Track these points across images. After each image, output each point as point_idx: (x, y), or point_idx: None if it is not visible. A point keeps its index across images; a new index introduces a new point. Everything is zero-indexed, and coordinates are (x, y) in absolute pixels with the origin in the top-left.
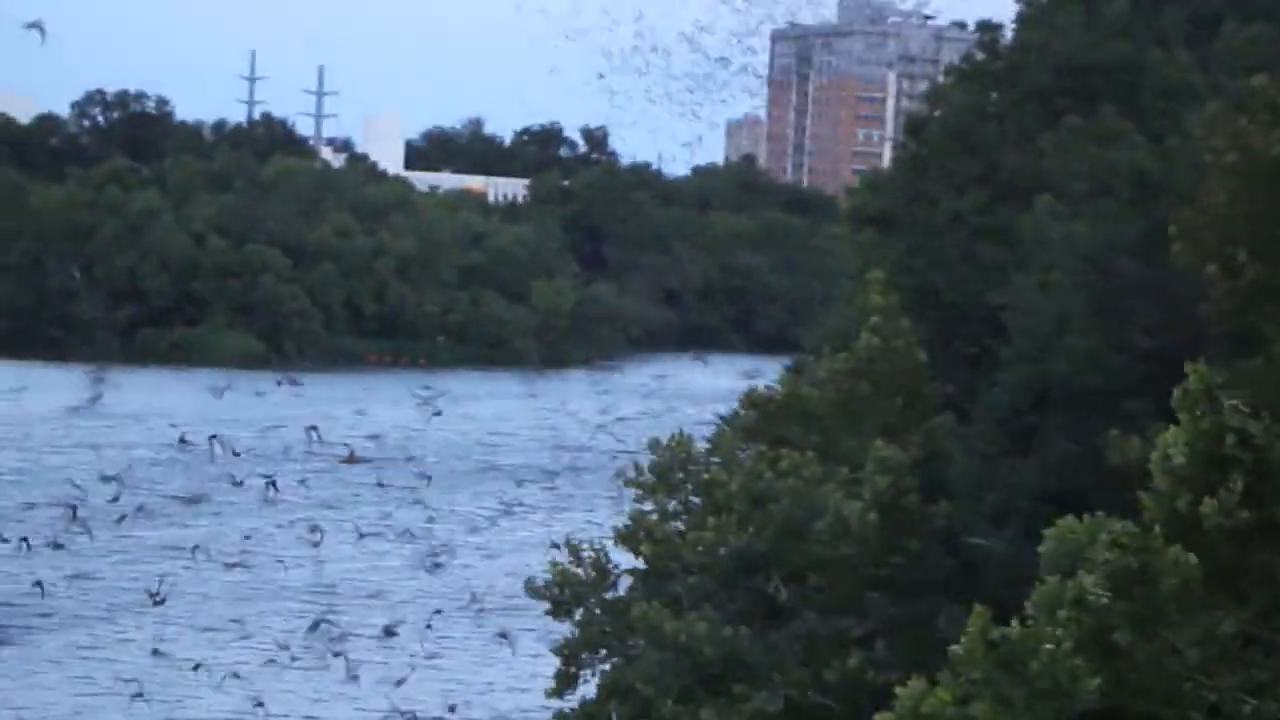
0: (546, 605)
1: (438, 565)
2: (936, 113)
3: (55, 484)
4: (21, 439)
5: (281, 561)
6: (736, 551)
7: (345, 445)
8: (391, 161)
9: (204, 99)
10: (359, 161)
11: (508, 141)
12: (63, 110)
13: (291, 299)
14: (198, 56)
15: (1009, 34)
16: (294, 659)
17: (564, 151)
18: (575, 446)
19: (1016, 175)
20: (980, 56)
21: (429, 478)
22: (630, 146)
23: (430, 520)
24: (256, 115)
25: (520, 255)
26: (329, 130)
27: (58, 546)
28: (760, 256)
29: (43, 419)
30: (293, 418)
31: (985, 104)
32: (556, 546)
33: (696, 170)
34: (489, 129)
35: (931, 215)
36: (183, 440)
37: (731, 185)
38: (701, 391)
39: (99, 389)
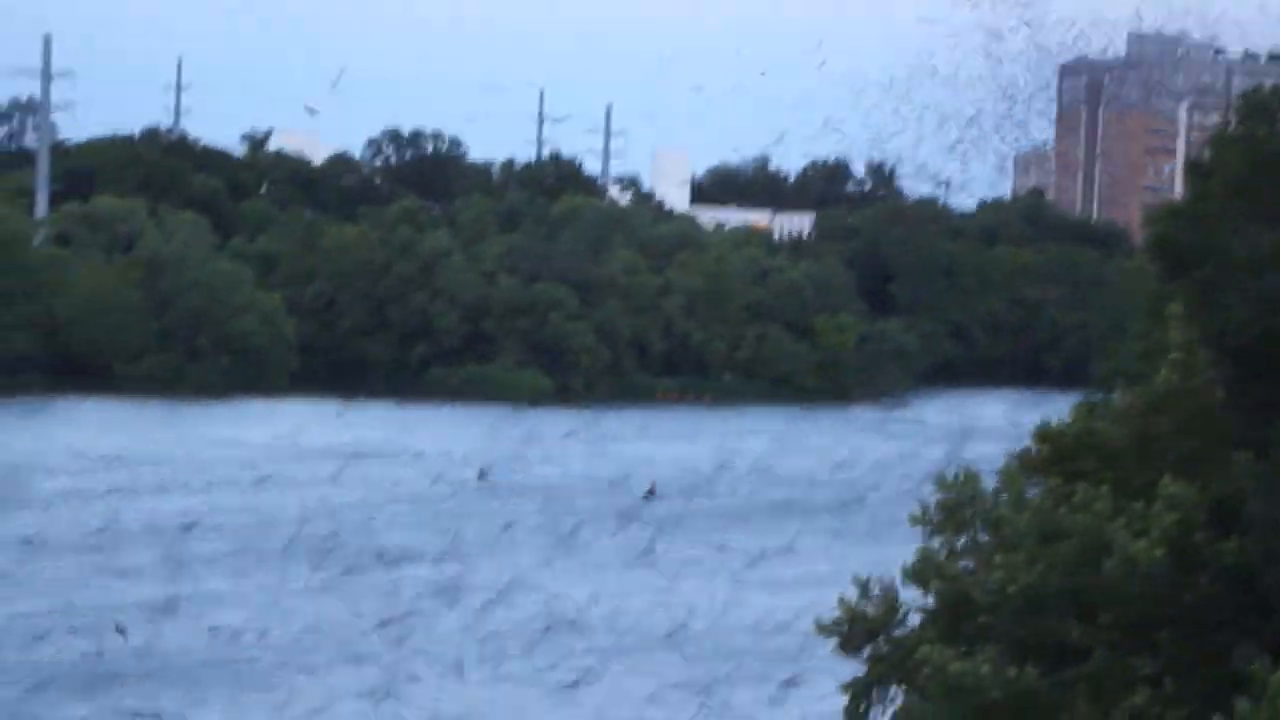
0: (834, 642)
1: (725, 603)
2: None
3: (353, 520)
4: (313, 475)
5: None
6: (1025, 589)
7: (647, 481)
8: (678, 198)
9: (493, 137)
10: (646, 199)
11: (793, 177)
12: (355, 149)
13: (580, 336)
14: (487, 95)
15: None
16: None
17: (850, 186)
18: (862, 483)
19: None
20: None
21: (718, 513)
22: (916, 182)
23: (720, 552)
24: (545, 154)
25: (805, 291)
26: (616, 168)
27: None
28: (1049, 290)
29: (345, 454)
30: (590, 454)
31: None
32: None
33: (984, 204)
34: (775, 164)
35: (1231, 249)
36: (482, 475)
37: (1019, 218)
38: (990, 427)
39: (387, 428)
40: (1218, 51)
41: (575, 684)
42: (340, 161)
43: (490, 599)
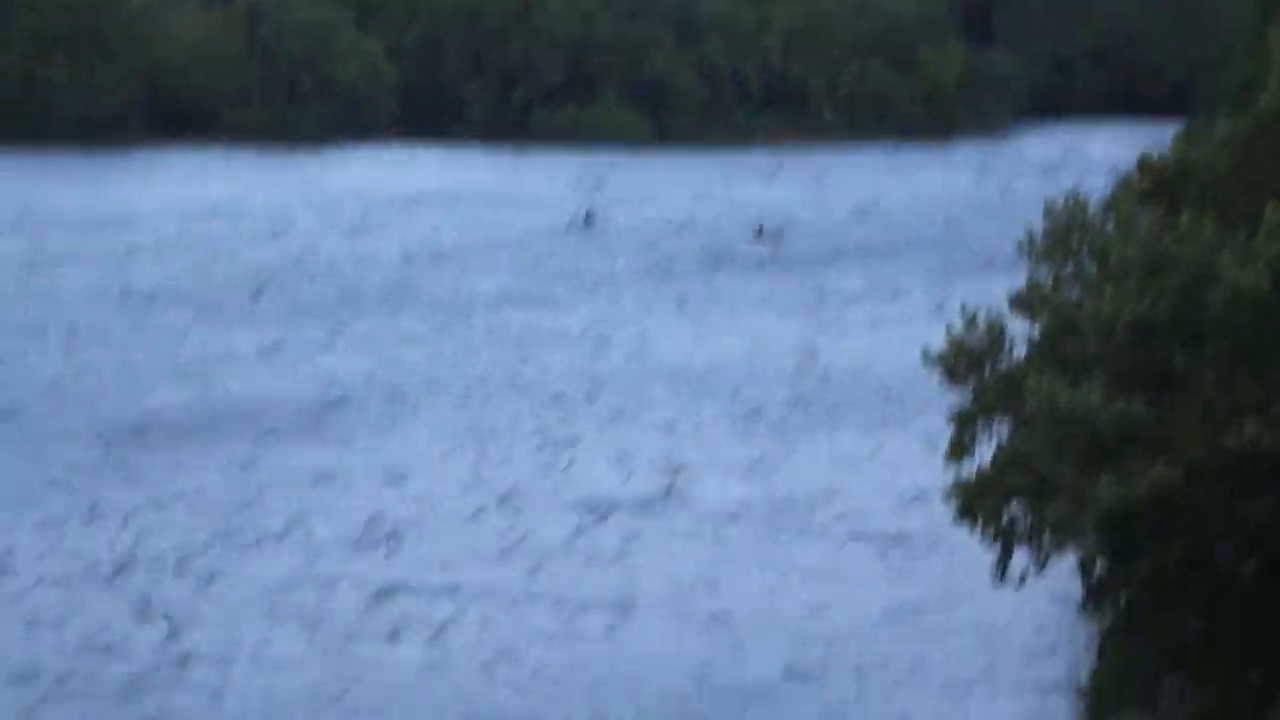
0: (940, 375)
1: (829, 343)
2: None
3: (460, 263)
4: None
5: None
6: (1133, 320)
7: (757, 222)
8: None
9: None
10: None
11: None
12: None
13: (679, 75)
14: None
15: None
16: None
17: None
18: (967, 218)
19: None
20: None
21: (812, 256)
22: None
23: (825, 292)
24: None
25: (907, 23)
26: None
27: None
28: (1154, 19)
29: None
30: (694, 196)
31: None
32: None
33: None
34: None
35: None
36: (587, 219)
37: None
38: (1095, 159)
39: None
40: None
41: (671, 423)
42: None
43: (592, 343)
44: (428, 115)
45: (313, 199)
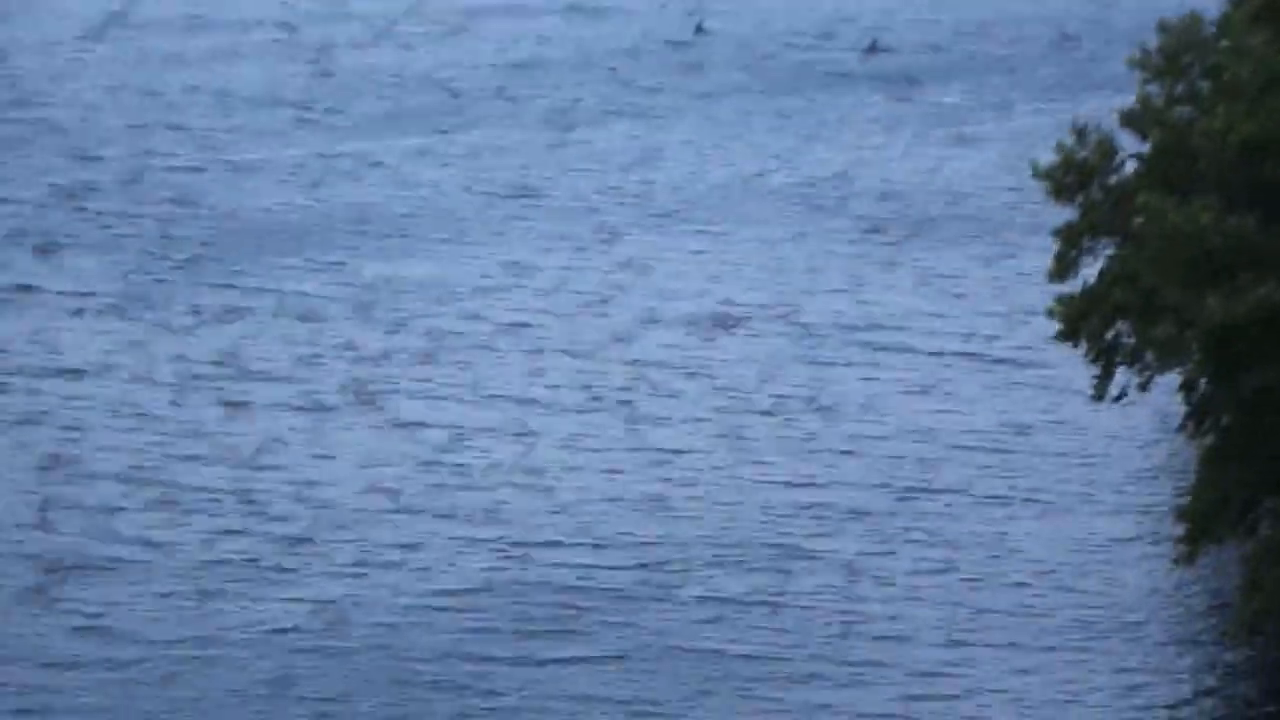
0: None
1: (933, 162)
2: None
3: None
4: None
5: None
6: (1245, 138)
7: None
8: None
9: None
10: None
11: None
12: None
13: None
14: None
15: None
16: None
17: None
18: (1075, 30)
19: None
20: None
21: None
22: None
23: (932, 108)
24: None
25: None
26: None
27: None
28: None
29: None
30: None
31: None
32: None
33: None
34: None
35: None
36: (698, 29)
37: None
38: None
39: None
40: None
41: (776, 242)
42: None
43: (693, 158)
44: None
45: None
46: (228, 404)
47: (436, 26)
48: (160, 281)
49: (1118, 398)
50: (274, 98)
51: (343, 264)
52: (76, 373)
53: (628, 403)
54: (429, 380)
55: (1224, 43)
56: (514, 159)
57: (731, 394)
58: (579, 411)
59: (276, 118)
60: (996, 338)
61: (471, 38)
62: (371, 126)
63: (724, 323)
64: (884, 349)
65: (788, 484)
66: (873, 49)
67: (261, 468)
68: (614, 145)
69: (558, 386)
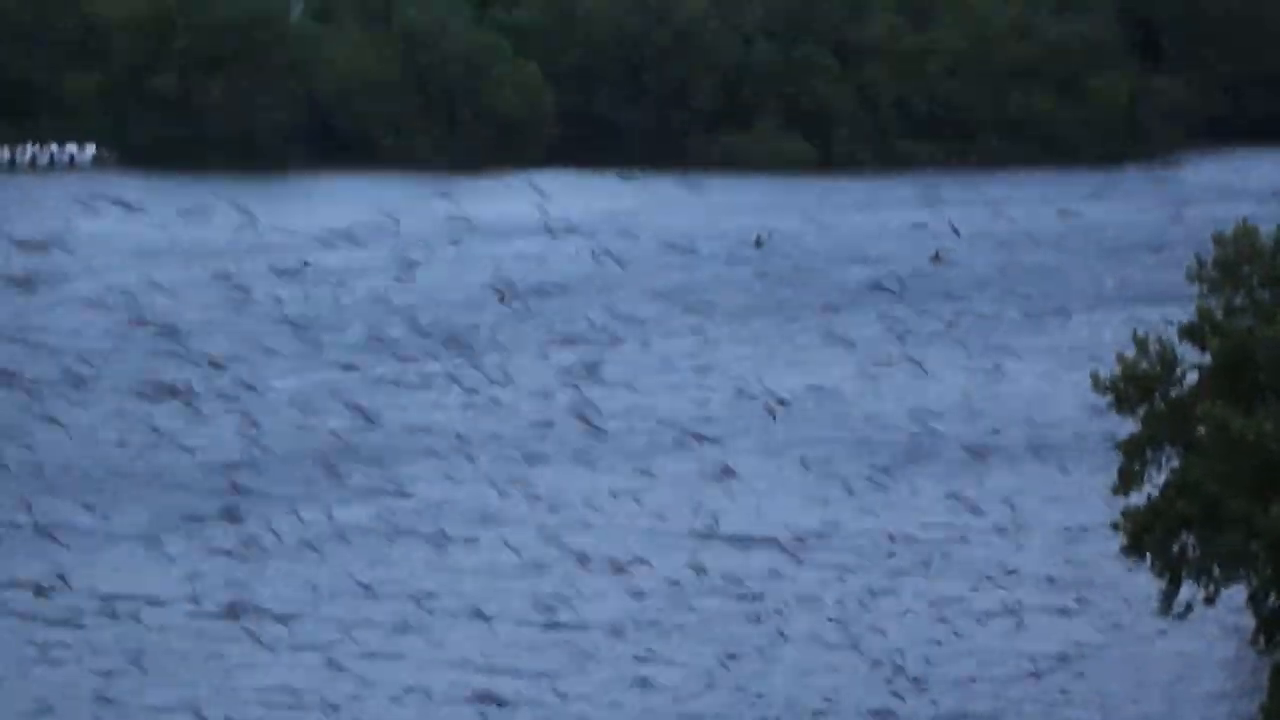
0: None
1: (996, 370)
2: None
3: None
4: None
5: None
6: None
7: (934, 248)
8: None
9: None
10: None
11: None
12: None
13: (841, 101)
14: None
15: None
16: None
17: None
18: (1138, 244)
19: None
20: None
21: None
22: None
23: (987, 325)
24: None
25: (1073, 47)
26: None
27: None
28: None
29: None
30: (862, 222)
31: None
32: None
33: None
34: None
35: None
36: (758, 243)
37: None
38: (1267, 187)
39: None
40: None
41: (807, 465)
42: None
43: (745, 369)
44: (585, 141)
45: (468, 224)
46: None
47: (488, 247)
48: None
49: (1184, 612)
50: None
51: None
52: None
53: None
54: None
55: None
56: (557, 375)
57: (776, 615)
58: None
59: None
60: (1060, 556)
61: (541, 255)
62: (419, 348)
63: (772, 541)
64: (946, 573)
65: (850, 697)
66: (937, 259)
67: None
68: (675, 360)
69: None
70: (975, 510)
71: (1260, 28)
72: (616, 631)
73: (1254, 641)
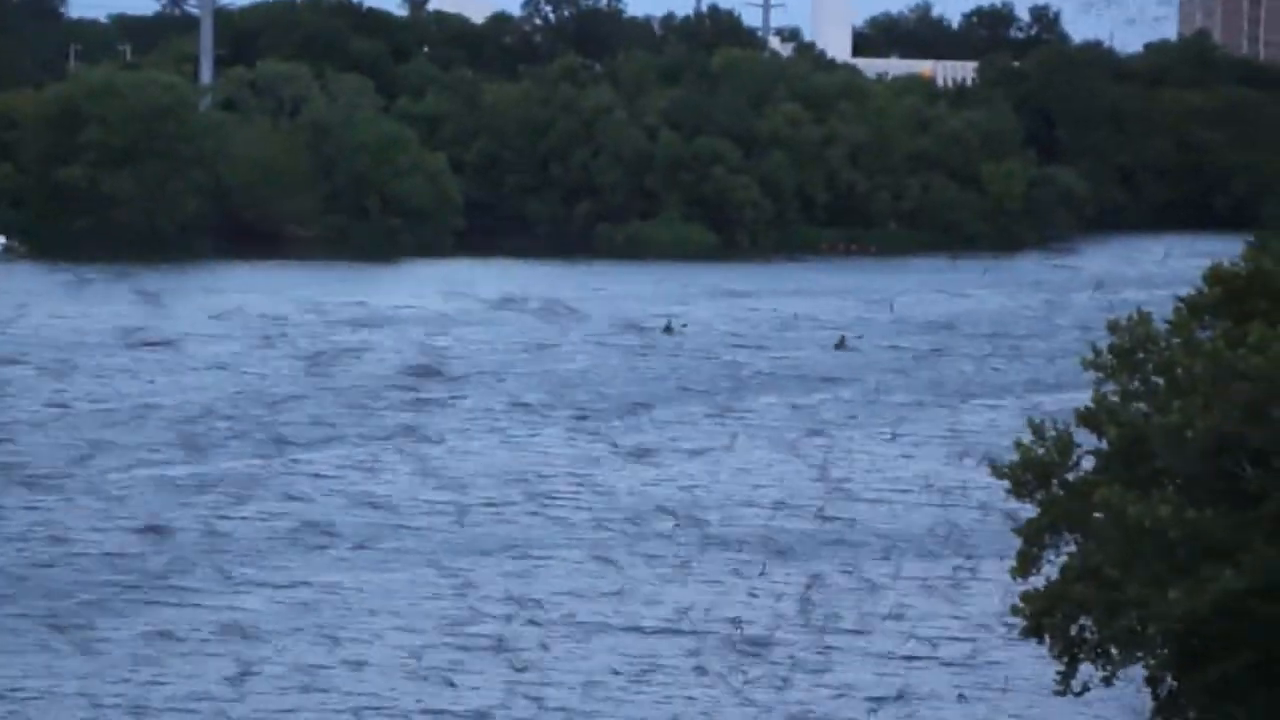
0: (1006, 485)
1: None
2: None
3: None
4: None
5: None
6: (1201, 434)
7: (838, 332)
8: (839, 48)
9: None
10: (806, 50)
11: (955, 24)
12: (514, 6)
13: (743, 189)
14: None
15: None
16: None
17: (1013, 32)
18: (1029, 331)
19: None
20: None
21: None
22: (1081, 27)
23: (887, 403)
24: (704, 7)
25: (970, 138)
26: (777, 17)
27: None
28: (1217, 133)
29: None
30: (765, 309)
31: None
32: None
33: (1149, 46)
34: (936, 12)
35: None
36: (667, 329)
37: (1185, 61)
38: (1158, 273)
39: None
40: None
41: (742, 571)
42: (500, 20)
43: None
44: (492, 230)
45: (380, 312)
46: None
47: (399, 333)
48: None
49: (1080, 692)
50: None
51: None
52: None
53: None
54: None
55: (1175, 339)
56: (478, 442)
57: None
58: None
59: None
60: (958, 638)
61: (446, 340)
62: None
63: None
64: (844, 651)
65: None
66: (842, 346)
67: None
68: (590, 438)
69: None
70: (872, 594)
71: (1151, 118)
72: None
73: None
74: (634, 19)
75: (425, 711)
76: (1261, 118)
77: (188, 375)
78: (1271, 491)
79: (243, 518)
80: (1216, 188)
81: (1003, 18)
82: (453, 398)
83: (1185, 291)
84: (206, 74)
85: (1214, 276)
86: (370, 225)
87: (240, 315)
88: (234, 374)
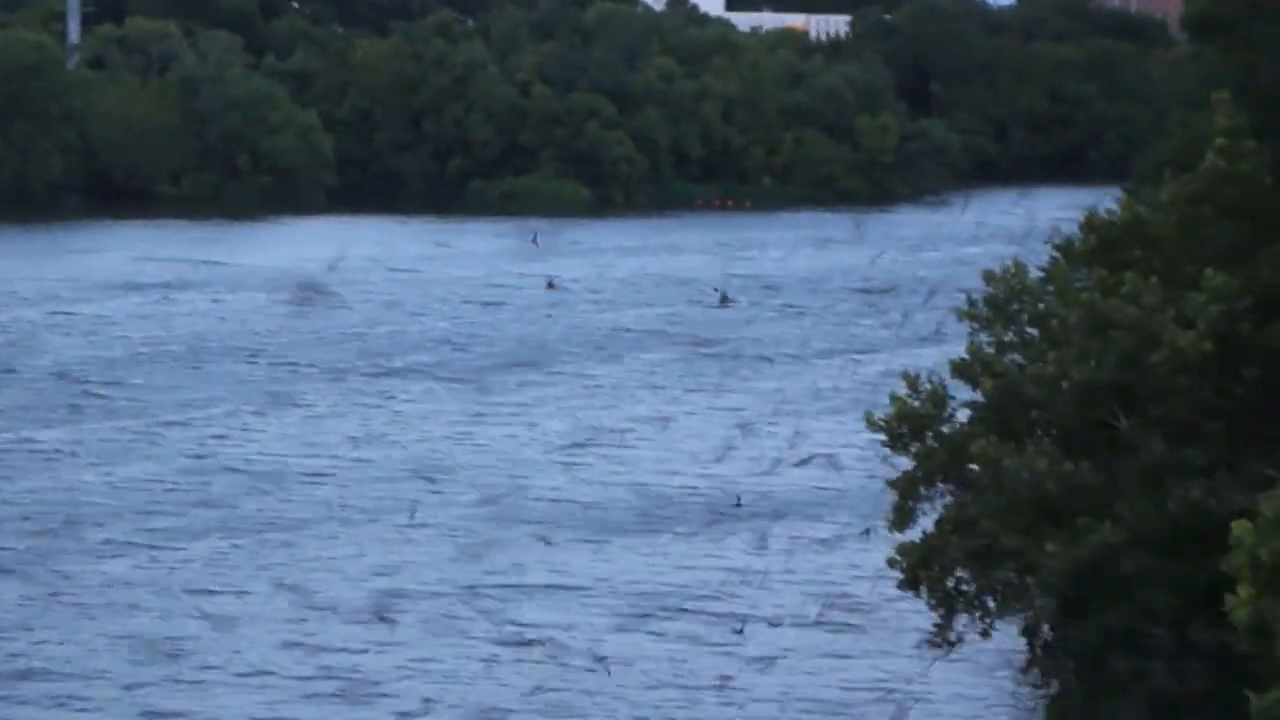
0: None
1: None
2: None
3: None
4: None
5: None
6: (1077, 384)
7: (715, 289)
8: (712, 2)
9: None
10: (680, 4)
11: None
12: None
13: (617, 145)
14: None
15: None
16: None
17: None
18: (906, 283)
19: None
20: None
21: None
22: None
23: (766, 358)
24: None
25: (843, 93)
26: None
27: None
28: (1090, 85)
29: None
30: (645, 263)
31: None
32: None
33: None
34: None
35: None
36: (550, 285)
37: (1058, 13)
38: (1031, 224)
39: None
40: None
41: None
42: None
43: (534, 408)
44: (364, 187)
45: (246, 272)
46: None
47: (267, 296)
48: None
49: (955, 643)
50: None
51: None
52: None
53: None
54: None
55: (1050, 289)
56: (332, 417)
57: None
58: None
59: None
60: (847, 594)
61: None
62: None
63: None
64: (719, 616)
65: None
66: (725, 301)
67: None
68: (452, 401)
69: None
70: (750, 556)
71: (1024, 72)
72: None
73: (1027, 673)
74: None
75: (298, 678)
76: (1134, 70)
77: (45, 335)
78: (1144, 442)
79: (110, 484)
80: (1090, 141)
81: None
82: (310, 365)
83: (1062, 242)
84: (74, 32)
85: (1089, 225)
86: (241, 183)
87: (100, 274)
88: (95, 336)
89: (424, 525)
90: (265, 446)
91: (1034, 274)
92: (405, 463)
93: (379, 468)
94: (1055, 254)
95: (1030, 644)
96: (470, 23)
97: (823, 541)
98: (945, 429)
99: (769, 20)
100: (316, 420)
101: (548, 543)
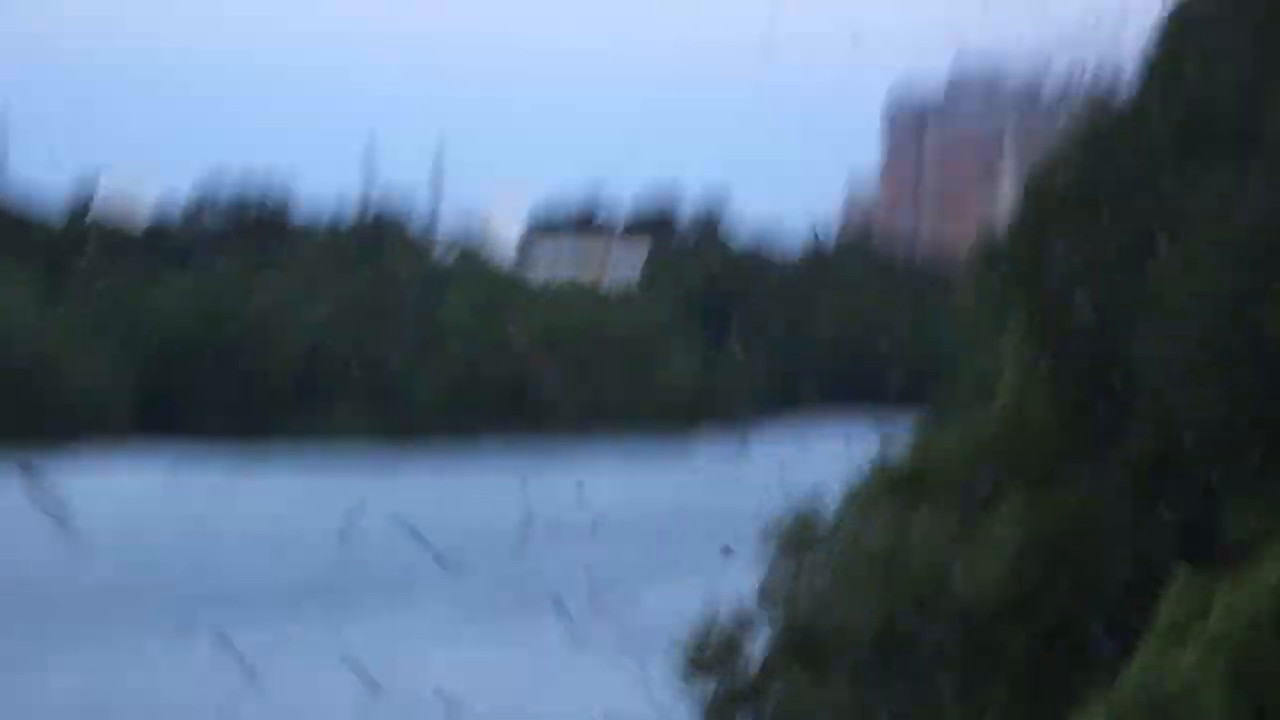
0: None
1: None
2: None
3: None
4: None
5: None
6: (871, 626)
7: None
8: (513, 228)
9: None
10: (473, 256)
11: (627, 204)
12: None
13: (418, 379)
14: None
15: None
16: None
17: (684, 213)
18: (706, 515)
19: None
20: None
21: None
22: (752, 207)
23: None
24: (376, 193)
25: (644, 328)
26: (451, 196)
27: None
28: (886, 320)
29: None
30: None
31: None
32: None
33: (813, 236)
34: (608, 192)
35: (1062, 267)
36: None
37: (849, 262)
38: (828, 458)
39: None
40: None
41: None
42: (166, 217)
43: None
44: (163, 424)
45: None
46: None
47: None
48: None
49: None
50: None
51: None
52: None
53: None
54: None
55: (844, 525)
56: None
57: None
58: None
59: None
60: None
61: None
62: None
63: None
64: None
65: None
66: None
67: None
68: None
69: None
70: None
71: (817, 312)
72: None
73: None
74: (300, 225)
75: None
76: (926, 306)
77: None
78: (941, 683)
79: None
80: (885, 375)
81: (670, 210)
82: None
83: (857, 477)
84: None
85: (878, 467)
86: (39, 416)
87: None
88: None
89: None
90: None
91: (829, 507)
92: None
93: None
94: (849, 490)
95: None
96: (269, 262)
97: None
98: (744, 662)
99: (567, 248)
100: None
101: None
